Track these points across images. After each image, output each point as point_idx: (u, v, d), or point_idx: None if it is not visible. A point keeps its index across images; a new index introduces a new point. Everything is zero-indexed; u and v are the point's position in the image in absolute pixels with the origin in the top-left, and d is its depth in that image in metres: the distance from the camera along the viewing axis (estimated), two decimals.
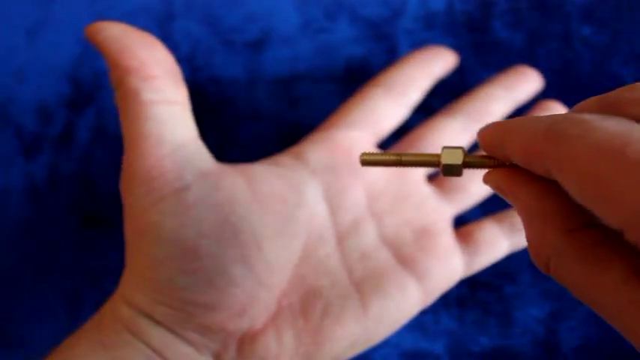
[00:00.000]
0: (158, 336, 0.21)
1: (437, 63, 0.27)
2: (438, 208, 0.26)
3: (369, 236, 0.25)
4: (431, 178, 0.27)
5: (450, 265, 0.25)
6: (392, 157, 0.19)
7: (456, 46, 0.29)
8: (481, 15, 0.29)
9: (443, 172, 0.19)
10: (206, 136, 0.29)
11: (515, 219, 0.26)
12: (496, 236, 0.26)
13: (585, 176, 0.13)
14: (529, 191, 0.16)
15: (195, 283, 0.21)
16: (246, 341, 0.22)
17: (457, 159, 0.18)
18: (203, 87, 0.29)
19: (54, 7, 0.30)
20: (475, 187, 0.26)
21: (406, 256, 0.24)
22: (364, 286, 0.23)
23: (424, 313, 0.28)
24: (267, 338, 0.22)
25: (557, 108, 0.27)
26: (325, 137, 0.25)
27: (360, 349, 0.24)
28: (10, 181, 0.30)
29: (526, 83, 0.27)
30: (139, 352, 0.21)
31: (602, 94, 0.15)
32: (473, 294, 0.28)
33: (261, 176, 0.23)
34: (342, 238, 0.24)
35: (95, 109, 0.30)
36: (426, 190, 0.26)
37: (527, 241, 0.16)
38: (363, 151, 0.20)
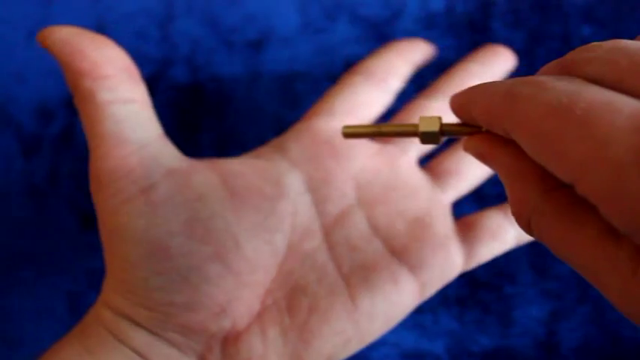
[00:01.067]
0: (140, 338, 0.21)
1: (415, 51, 0.27)
2: (431, 196, 0.25)
3: (358, 227, 0.24)
4: (423, 165, 0.26)
5: (447, 255, 0.24)
6: (372, 129, 0.20)
7: (456, 46, 0.29)
8: (481, 15, 0.29)
9: (421, 139, 0.19)
10: (206, 136, 0.29)
11: None
12: (501, 225, 0.24)
13: (536, 134, 0.14)
14: (507, 153, 0.16)
15: (170, 282, 0.20)
16: (230, 341, 0.21)
17: (434, 126, 0.19)
18: (203, 87, 0.30)
19: (54, 7, 0.30)
20: (468, 170, 0.25)
21: (398, 247, 0.23)
22: (353, 279, 0.23)
23: (424, 313, 0.28)
24: (251, 338, 0.21)
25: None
26: (306, 127, 0.25)
27: (354, 348, 0.23)
28: (10, 181, 0.30)
29: (501, 59, 0.27)
30: (124, 356, 0.21)
31: (561, 57, 0.16)
32: (473, 294, 0.28)
33: (236, 170, 0.23)
34: (329, 230, 0.24)
35: None
36: (418, 176, 0.25)
37: (510, 202, 0.16)
38: (344, 124, 0.21)
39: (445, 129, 0.19)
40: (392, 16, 0.30)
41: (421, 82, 0.29)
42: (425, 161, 0.27)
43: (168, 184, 0.21)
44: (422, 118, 0.19)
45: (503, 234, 0.24)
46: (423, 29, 0.29)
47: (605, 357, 0.27)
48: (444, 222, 0.24)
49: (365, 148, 0.25)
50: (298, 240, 0.23)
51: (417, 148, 0.26)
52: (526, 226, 0.16)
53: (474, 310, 0.28)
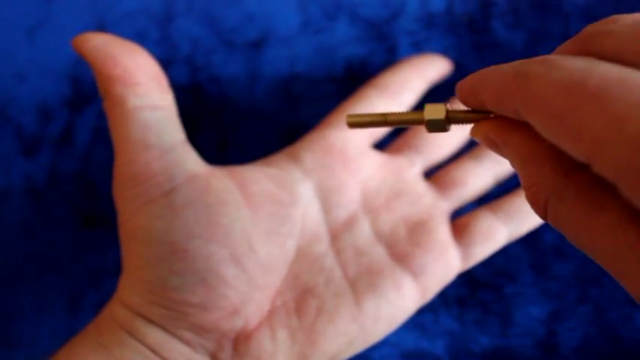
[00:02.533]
0: (154, 336, 0.21)
1: (432, 67, 0.28)
2: (433, 204, 0.26)
3: (363, 233, 0.25)
4: (428, 176, 0.27)
5: (447, 260, 0.25)
6: (377, 117, 0.19)
7: (456, 46, 0.29)
8: (481, 15, 0.29)
9: (427, 128, 0.19)
10: (206, 136, 0.29)
11: (510, 206, 0.25)
12: (492, 225, 0.25)
13: (549, 113, 0.14)
14: (520, 136, 0.16)
15: (187, 283, 0.21)
16: (241, 340, 0.22)
17: (440, 114, 0.18)
18: (203, 87, 0.30)
19: (54, 7, 0.30)
20: (473, 181, 0.26)
21: (401, 253, 0.24)
22: (359, 283, 0.23)
23: (424, 313, 0.28)
24: (261, 337, 0.22)
25: None
26: (320, 137, 0.25)
27: (358, 348, 0.24)
28: (10, 181, 0.30)
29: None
30: (137, 352, 0.21)
31: (577, 33, 0.16)
32: (473, 294, 0.28)
33: (252, 177, 0.24)
34: (336, 235, 0.24)
35: (95, 109, 0.30)
36: (422, 186, 0.26)
37: (524, 188, 0.16)
38: (348, 113, 0.20)
39: (451, 116, 0.18)
40: (392, 16, 0.30)
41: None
42: (433, 172, 0.27)
43: (188, 189, 0.22)
44: (427, 106, 0.18)
45: (495, 234, 0.25)
46: (423, 29, 0.29)
47: (605, 357, 0.27)
48: (444, 228, 0.25)
49: (373, 158, 0.26)
50: (307, 244, 0.24)
51: (424, 159, 0.27)
52: (542, 211, 0.15)
53: (474, 310, 0.28)
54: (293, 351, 0.22)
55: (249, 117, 0.29)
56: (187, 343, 0.22)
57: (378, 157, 0.26)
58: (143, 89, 0.22)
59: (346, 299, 0.23)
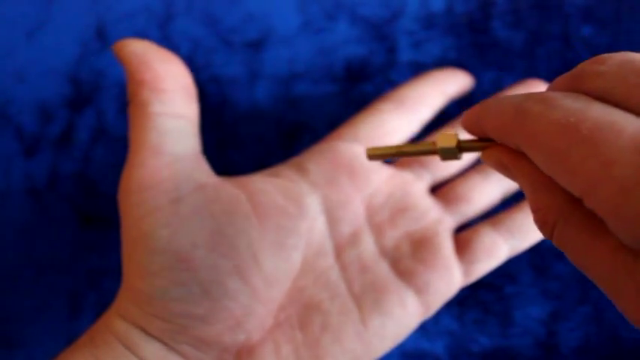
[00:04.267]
0: (152, 349, 0.21)
1: (451, 82, 0.27)
2: (438, 220, 0.25)
3: (368, 248, 0.24)
4: (434, 191, 0.27)
5: (450, 277, 0.24)
6: (394, 150, 0.21)
7: (456, 46, 0.29)
8: (481, 15, 0.29)
9: (441, 156, 0.20)
10: (206, 136, 0.29)
11: (512, 222, 0.25)
12: (494, 242, 0.25)
13: (547, 151, 0.15)
14: (530, 162, 0.17)
15: (189, 294, 0.21)
16: (244, 355, 0.22)
17: (452, 142, 0.19)
18: (203, 87, 0.29)
19: (54, 7, 0.30)
20: (478, 196, 0.26)
21: (405, 270, 0.24)
22: (364, 300, 0.23)
23: None
24: (265, 352, 0.22)
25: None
26: (328, 149, 0.25)
27: None
28: (10, 181, 0.30)
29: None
30: None
31: (572, 70, 0.17)
32: (473, 294, 0.28)
33: (260, 188, 0.23)
34: (340, 250, 0.24)
35: (95, 109, 0.30)
36: (428, 201, 0.26)
37: (533, 210, 0.17)
38: (367, 147, 0.21)
39: (463, 145, 0.19)
40: (392, 16, 0.30)
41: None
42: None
43: (196, 198, 0.22)
44: (439, 136, 0.19)
45: (497, 250, 0.25)
46: (423, 29, 0.29)
47: (605, 357, 0.27)
48: (447, 245, 0.25)
49: (380, 172, 0.26)
50: (312, 258, 0.24)
51: (431, 174, 0.27)
52: (549, 233, 0.16)
53: (474, 310, 0.28)
54: None
55: (249, 117, 0.29)
56: (187, 358, 0.21)
57: (385, 171, 0.26)
58: (168, 97, 0.22)
59: (352, 316, 0.23)
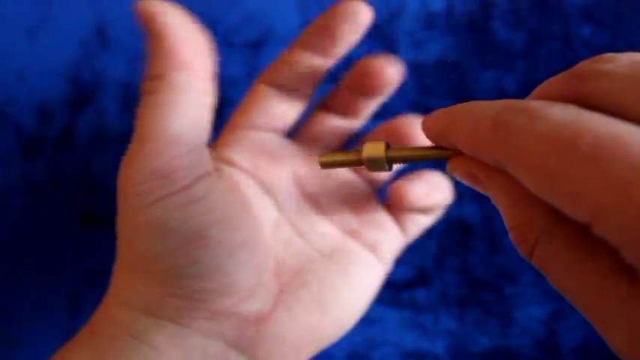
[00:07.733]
0: (165, 334, 0.21)
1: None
2: (362, 186, 0.26)
3: (314, 217, 0.25)
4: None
5: (392, 235, 0.25)
6: (343, 157, 0.20)
7: (456, 46, 0.29)
8: (481, 15, 0.29)
9: (368, 167, 0.18)
10: None
11: (431, 177, 0.25)
12: (423, 196, 0.25)
13: (539, 171, 0.13)
14: (507, 175, 0.15)
15: (204, 270, 0.21)
16: (262, 322, 0.22)
17: (379, 152, 0.18)
18: None
19: (54, 7, 0.30)
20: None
21: (354, 232, 0.25)
22: (337, 257, 0.24)
23: (424, 313, 0.28)
24: (280, 315, 0.22)
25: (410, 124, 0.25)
26: (239, 138, 0.25)
27: (358, 314, 0.24)
28: (10, 181, 0.30)
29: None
30: (141, 355, 0.20)
31: (569, 70, 0.15)
32: (473, 294, 0.28)
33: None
34: (293, 223, 0.25)
35: (95, 109, 0.30)
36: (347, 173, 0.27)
37: (510, 227, 0.15)
38: (318, 155, 0.22)
39: (393, 155, 0.18)
40: (392, 16, 0.30)
41: (423, 82, 0.29)
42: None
43: (206, 181, 0.21)
44: (367, 145, 0.18)
45: (427, 200, 0.25)
46: (423, 29, 0.29)
47: (604, 357, 0.27)
48: (377, 206, 0.26)
49: (291, 148, 0.26)
50: (275, 232, 0.25)
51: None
52: (529, 252, 0.15)
53: (474, 310, 0.28)
54: (310, 324, 0.23)
55: None
56: (204, 334, 0.21)
57: (293, 146, 0.26)
58: (200, 85, 0.21)
59: (335, 272, 0.24)
